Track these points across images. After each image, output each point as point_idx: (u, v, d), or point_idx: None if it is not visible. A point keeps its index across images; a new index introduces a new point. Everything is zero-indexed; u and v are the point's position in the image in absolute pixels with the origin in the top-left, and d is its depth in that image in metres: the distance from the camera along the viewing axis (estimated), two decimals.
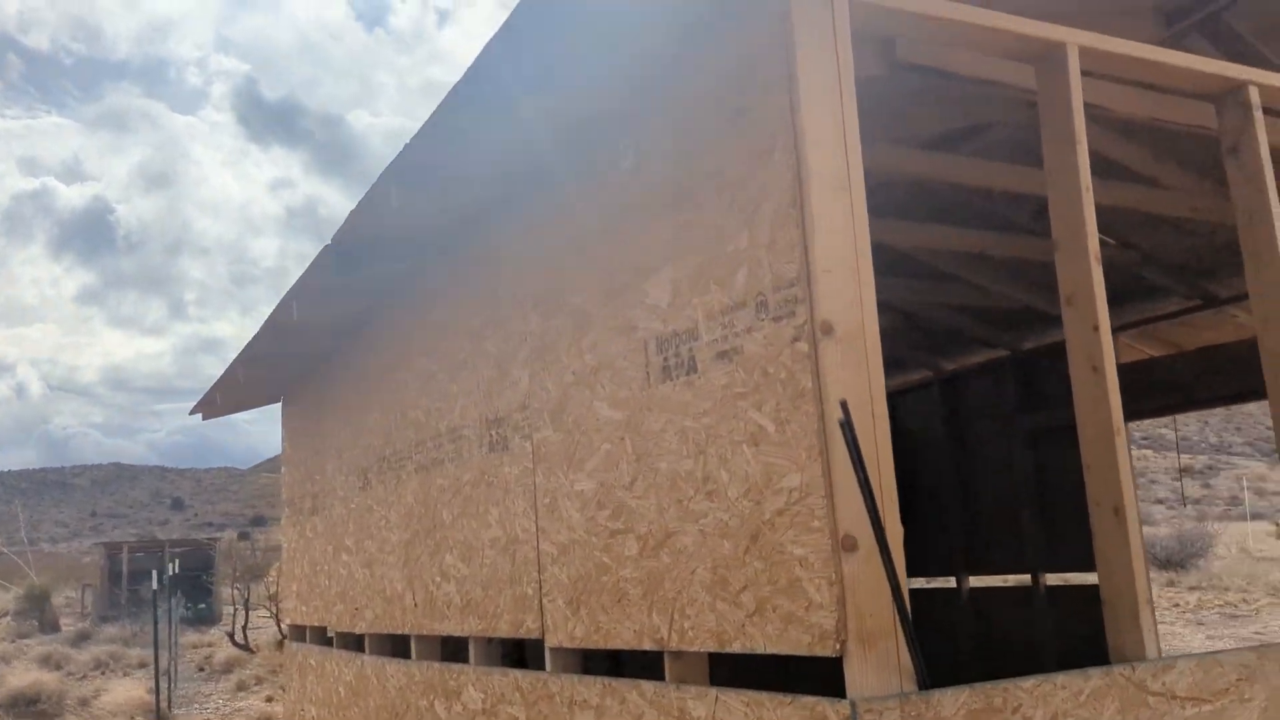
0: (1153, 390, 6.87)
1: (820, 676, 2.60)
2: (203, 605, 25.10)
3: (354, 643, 5.82)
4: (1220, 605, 19.92)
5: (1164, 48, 3.47)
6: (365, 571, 5.49)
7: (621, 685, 3.10)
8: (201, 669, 17.05)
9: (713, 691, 2.74)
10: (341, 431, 6.01)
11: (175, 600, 15.89)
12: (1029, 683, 2.47)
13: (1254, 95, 3.37)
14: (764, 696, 2.56)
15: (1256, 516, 45.34)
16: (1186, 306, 6.74)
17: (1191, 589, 23.15)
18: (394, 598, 5.06)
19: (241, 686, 14.84)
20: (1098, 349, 2.92)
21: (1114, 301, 7.47)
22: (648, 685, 3.00)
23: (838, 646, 2.38)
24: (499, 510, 3.99)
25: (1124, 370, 7.31)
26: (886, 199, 6.15)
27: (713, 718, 2.69)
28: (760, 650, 2.65)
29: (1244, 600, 20.40)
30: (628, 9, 2.86)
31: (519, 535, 3.83)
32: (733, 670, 3.23)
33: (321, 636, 6.69)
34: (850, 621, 2.37)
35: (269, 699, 13.28)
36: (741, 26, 2.79)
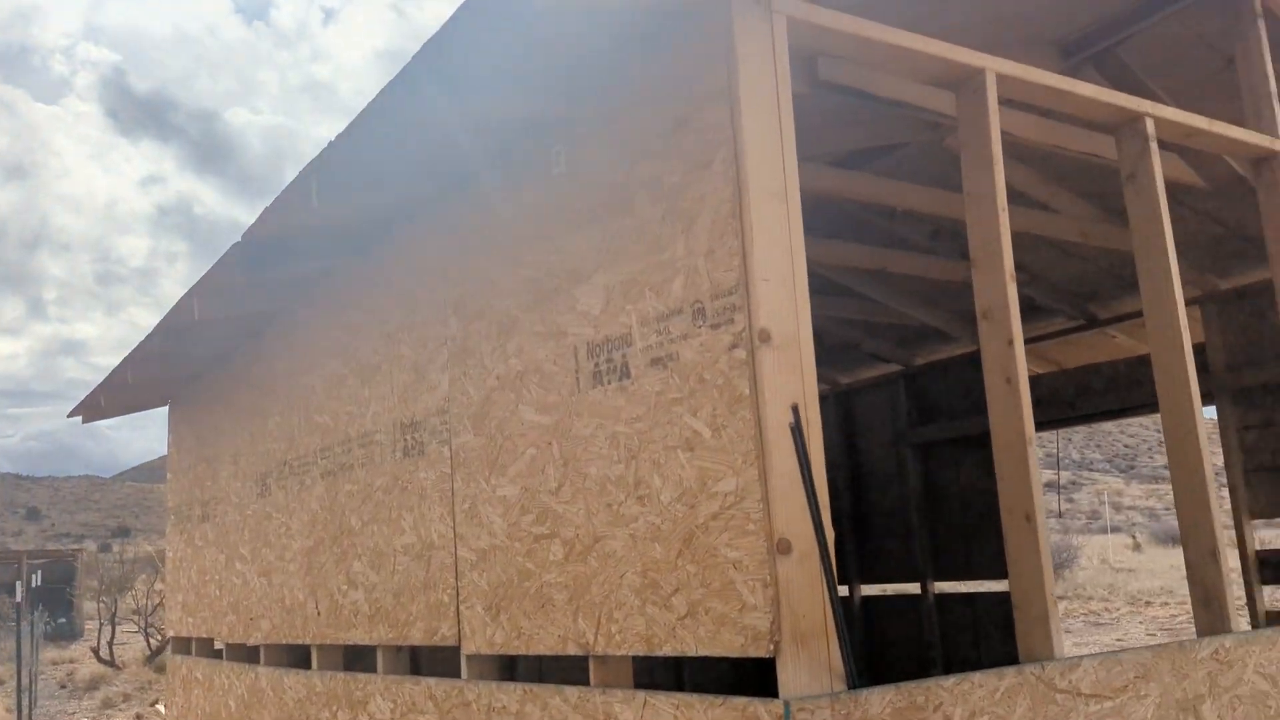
0: (1038, 405, 7.18)
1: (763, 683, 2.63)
2: (63, 620, 23.80)
3: (247, 654, 5.61)
4: (1084, 614, 20.95)
5: (1070, 79, 3.65)
6: (262, 580, 5.31)
7: (543, 691, 3.09)
8: (64, 686, 16.16)
9: (641, 695, 2.75)
10: (238, 436, 5.80)
11: (38, 614, 15.03)
12: (949, 682, 2.56)
13: (1150, 126, 3.59)
14: (694, 699, 2.58)
15: (1115, 529, 47.88)
16: (1070, 326, 7.09)
17: (1059, 599, 24.27)
18: (294, 607, 4.90)
19: (108, 704, 14.13)
20: (1011, 362, 3.05)
21: None
22: (571, 690, 2.99)
23: (771, 647, 2.42)
24: (413, 516, 3.92)
25: None
26: None
27: None
28: (691, 653, 2.67)
29: (1106, 609, 21.50)
30: (567, 18, 2.87)
31: (435, 541, 3.77)
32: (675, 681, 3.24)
33: (209, 649, 6.43)
34: (784, 622, 2.42)
35: (137, 717, 12.68)
36: (683, 38, 2.83)
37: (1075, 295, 6.83)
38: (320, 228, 4.12)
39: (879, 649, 8.16)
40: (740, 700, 2.46)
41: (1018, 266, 6.75)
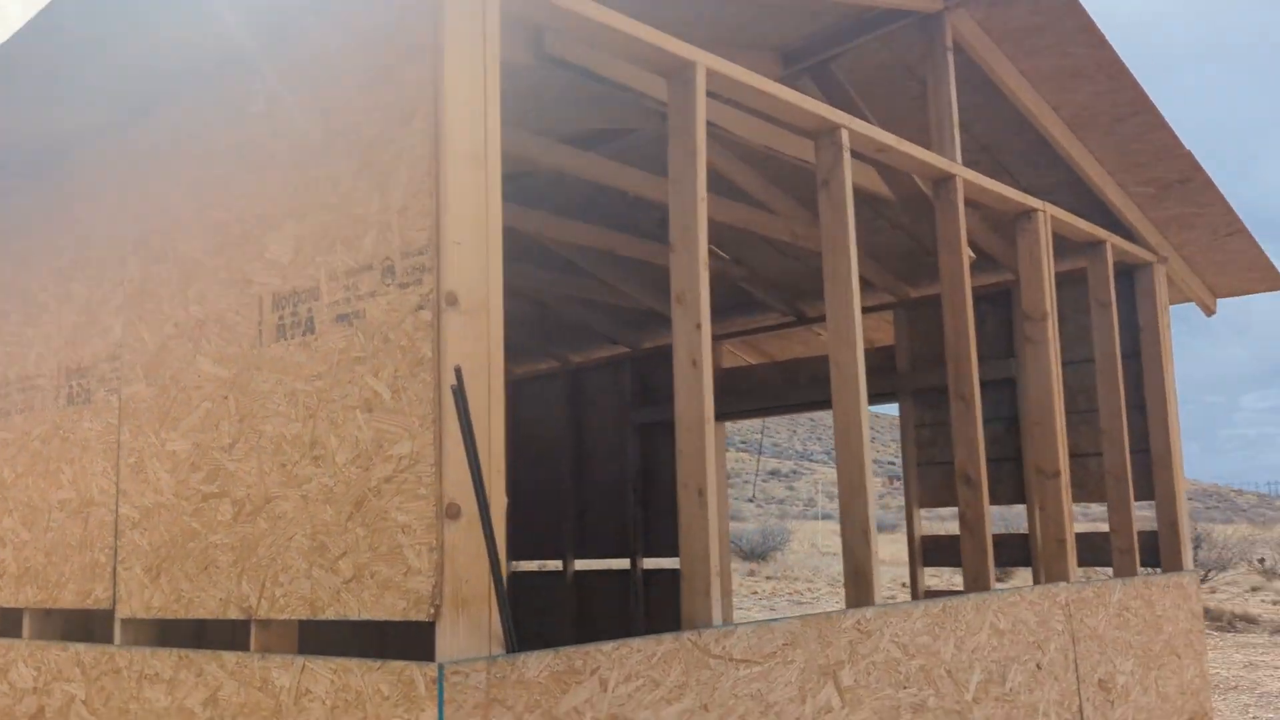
0: (749, 394, 7.61)
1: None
2: None
3: None
4: (790, 593, 22.49)
5: (780, 84, 3.86)
6: None
7: (199, 656, 2.92)
8: None
9: (300, 660, 2.66)
10: None
11: None
12: (608, 647, 2.65)
13: (845, 137, 3.85)
14: (352, 663, 2.53)
15: (826, 517, 51.70)
16: (782, 322, 7.55)
17: (768, 578, 25.95)
18: None
19: None
20: (698, 345, 3.19)
21: (723, 312, 8.17)
22: (229, 656, 2.85)
23: (432, 611, 2.41)
24: (73, 469, 3.60)
25: (727, 374, 8.04)
26: (527, 187, 6.31)
27: (298, 686, 2.61)
28: (354, 616, 2.61)
29: (809, 589, 23.19)
30: None
31: (95, 497, 3.48)
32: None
33: None
34: (447, 587, 2.41)
35: None
36: None
37: (787, 292, 7.27)
38: None
39: (589, 621, 8.38)
40: (398, 664, 2.43)
41: (739, 262, 7.13)
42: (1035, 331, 4.78)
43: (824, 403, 7.37)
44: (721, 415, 7.73)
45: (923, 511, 6.74)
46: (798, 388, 7.35)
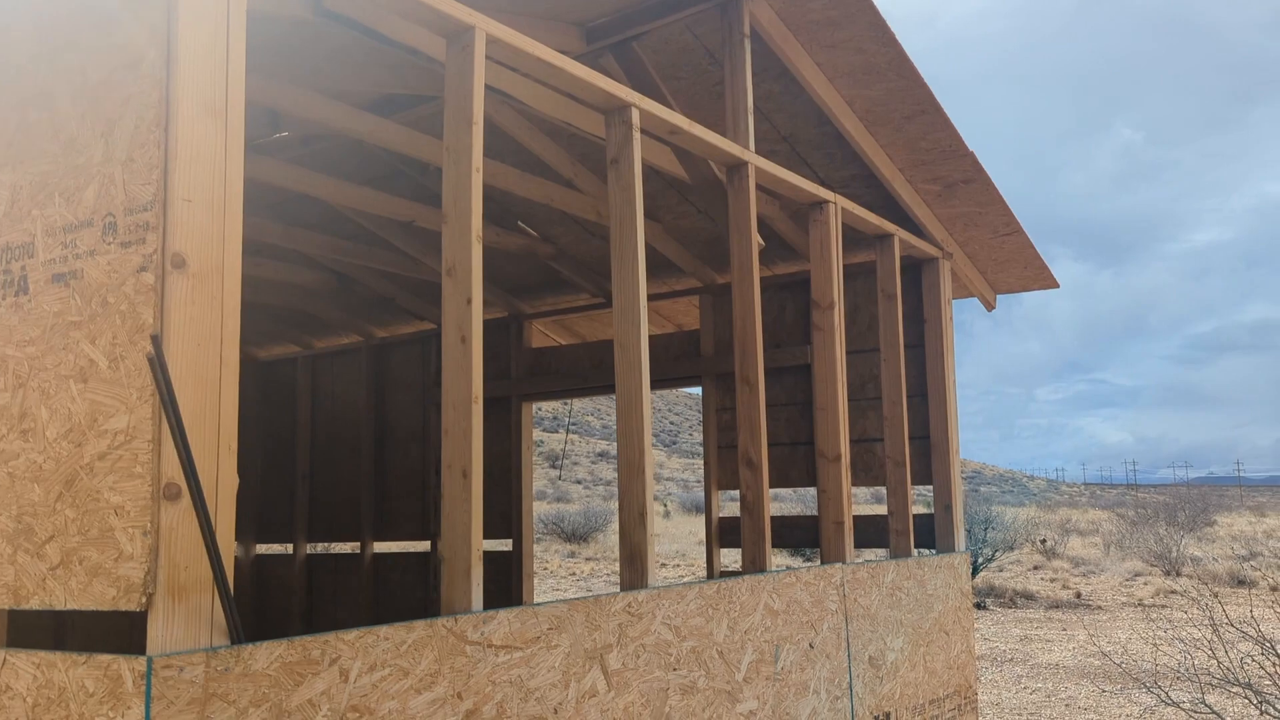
0: (557, 374, 7.55)
1: None
2: None
3: None
4: (608, 573, 22.67)
5: (577, 60, 3.78)
6: None
7: None
8: None
9: (1, 653, 2.41)
10: None
11: None
12: (351, 635, 2.52)
13: (635, 116, 3.81)
14: (57, 656, 2.30)
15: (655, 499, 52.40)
16: (592, 303, 7.50)
17: (589, 559, 26.09)
18: None
19: None
20: (468, 321, 3.08)
21: (533, 291, 8.04)
22: None
23: (144, 600, 2.21)
24: None
25: (536, 354, 7.92)
26: (322, 152, 6.01)
27: None
28: (61, 606, 2.38)
29: None
30: None
31: None
32: None
33: None
34: (162, 574, 2.22)
35: None
36: None
37: (595, 273, 7.23)
38: None
39: (388, 604, 8.14)
40: (105, 657, 2.22)
41: (547, 239, 7.03)
42: (823, 319, 4.90)
43: None
44: (528, 395, 7.64)
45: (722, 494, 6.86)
46: (604, 369, 7.33)
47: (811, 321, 4.96)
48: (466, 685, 2.79)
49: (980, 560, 20.57)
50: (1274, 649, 7.40)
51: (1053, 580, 21.77)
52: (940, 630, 5.45)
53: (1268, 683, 7.30)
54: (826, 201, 4.92)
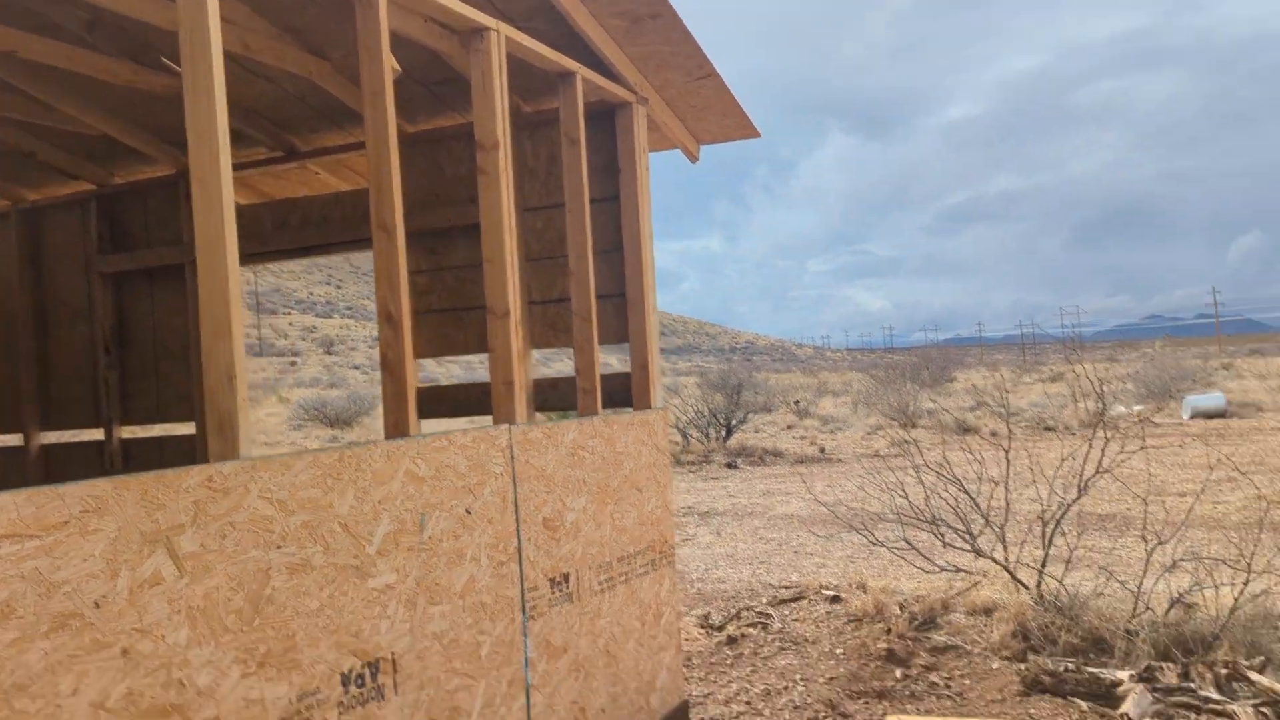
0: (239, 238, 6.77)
1: None
2: None
3: None
4: None
5: None
6: None
7: None
8: None
9: None
10: None
11: None
12: None
13: None
14: None
15: (432, 381, 51.53)
16: (272, 157, 6.74)
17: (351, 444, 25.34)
18: None
19: None
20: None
21: None
22: None
23: None
24: None
25: None
26: None
27: None
28: None
29: None
30: None
31: None
32: None
33: None
34: None
35: None
36: None
37: (271, 123, 6.46)
38: None
39: None
40: None
41: None
42: (487, 162, 4.48)
43: (318, 248, 6.76)
44: None
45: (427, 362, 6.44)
46: (289, 231, 6.65)
47: (476, 165, 4.52)
48: None
49: (734, 423, 21.37)
50: (962, 486, 7.88)
51: (803, 438, 22.97)
52: (632, 488, 5.33)
53: (954, 516, 7.79)
54: (486, 29, 4.43)
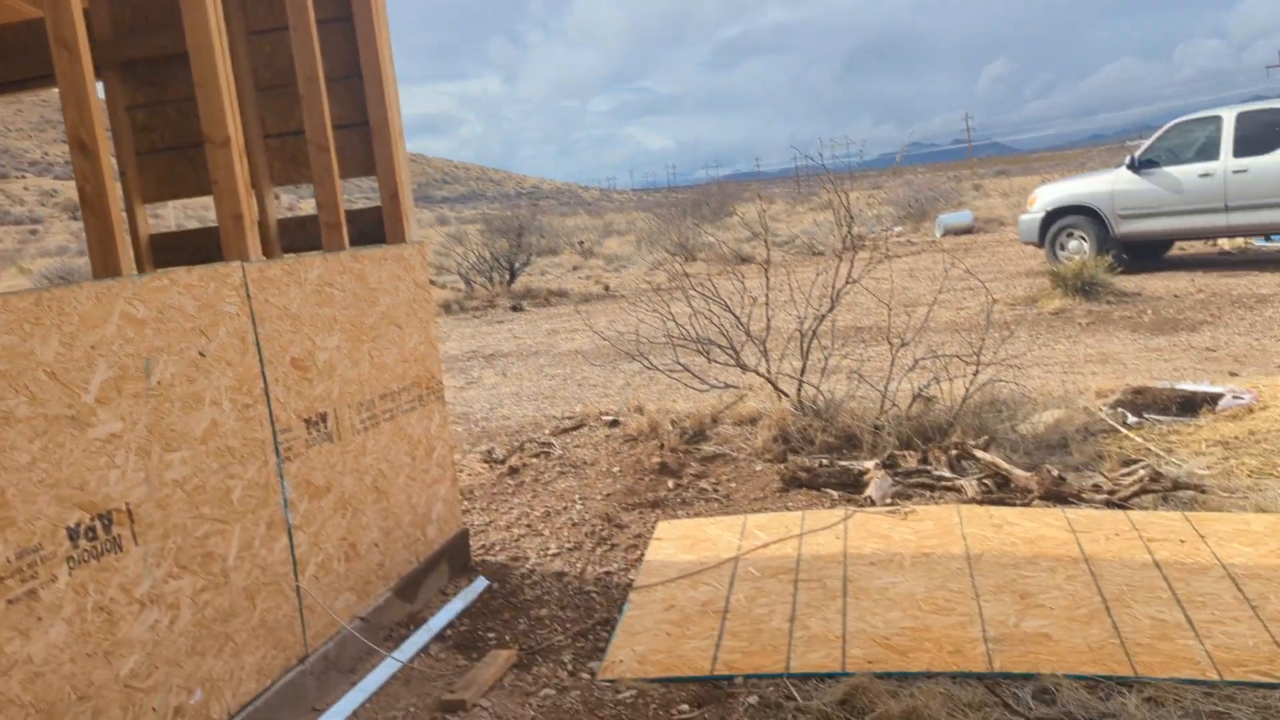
0: None
1: None
2: None
3: None
4: None
5: None
6: None
7: None
8: None
9: None
10: None
11: None
12: None
13: None
14: None
15: None
16: None
17: None
18: None
19: None
20: None
21: None
22: None
23: None
24: None
25: None
26: None
27: None
28: None
29: None
30: None
31: None
32: None
33: None
34: None
35: None
36: None
37: None
38: None
39: None
40: None
41: None
42: None
43: (14, 84, 6.01)
44: None
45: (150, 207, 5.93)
46: None
47: None
48: None
49: (518, 266, 21.24)
50: (727, 306, 8.18)
51: (588, 278, 23.16)
52: (391, 324, 5.19)
53: (720, 337, 8.10)
54: None
